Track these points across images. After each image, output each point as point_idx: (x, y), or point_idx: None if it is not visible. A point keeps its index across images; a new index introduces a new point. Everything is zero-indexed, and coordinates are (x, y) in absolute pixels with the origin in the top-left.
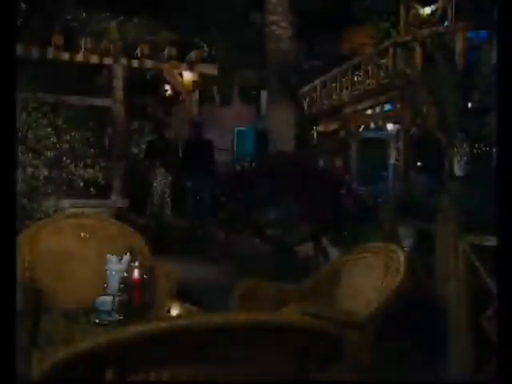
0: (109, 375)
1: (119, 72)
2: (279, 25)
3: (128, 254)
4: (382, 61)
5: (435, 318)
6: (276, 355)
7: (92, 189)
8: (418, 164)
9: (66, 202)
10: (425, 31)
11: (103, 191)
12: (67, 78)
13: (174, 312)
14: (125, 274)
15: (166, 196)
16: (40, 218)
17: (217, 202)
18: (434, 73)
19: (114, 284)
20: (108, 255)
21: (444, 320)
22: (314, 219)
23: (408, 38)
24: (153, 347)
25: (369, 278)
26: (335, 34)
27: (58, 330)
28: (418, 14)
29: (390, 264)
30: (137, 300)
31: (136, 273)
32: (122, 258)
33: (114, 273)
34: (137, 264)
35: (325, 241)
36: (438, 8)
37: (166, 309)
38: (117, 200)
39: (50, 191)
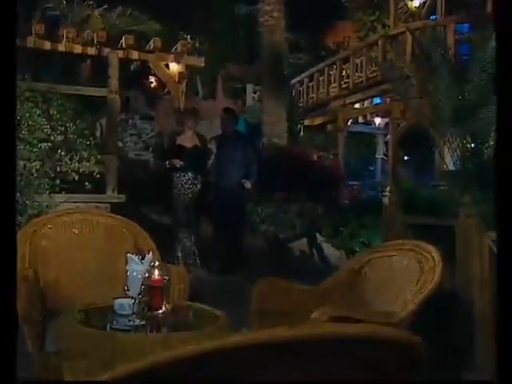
0: None
1: (115, 61)
2: (272, 15)
3: (150, 253)
4: (372, 54)
5: (459, 316)
6: (350, 368)
7: (87, 183)
8: (406, 158)
9: (59, 197)
10: (416, 23)
11: (98, 185)
12: (60, 67)
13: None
14: (146, 275)
15: (191, 204)
16: (33, 214)
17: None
18: (425, 66)
19: (135, 286)
20: (129, 254)
21: (469, 319)
22: (309, 214)
23: (398, 30)
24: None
25: (399, 278)
26: (321, 27)
27: (74, 334)
28: (406, 7)
29: (424, 263)
30: (158, 303)
31: (156, 273)
32: (143, 257)
33: (135, 273)
34: (157, 264)
35: (319, 236)
36: (427, 0)
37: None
38: (112, 195)
39: (43, 185)
